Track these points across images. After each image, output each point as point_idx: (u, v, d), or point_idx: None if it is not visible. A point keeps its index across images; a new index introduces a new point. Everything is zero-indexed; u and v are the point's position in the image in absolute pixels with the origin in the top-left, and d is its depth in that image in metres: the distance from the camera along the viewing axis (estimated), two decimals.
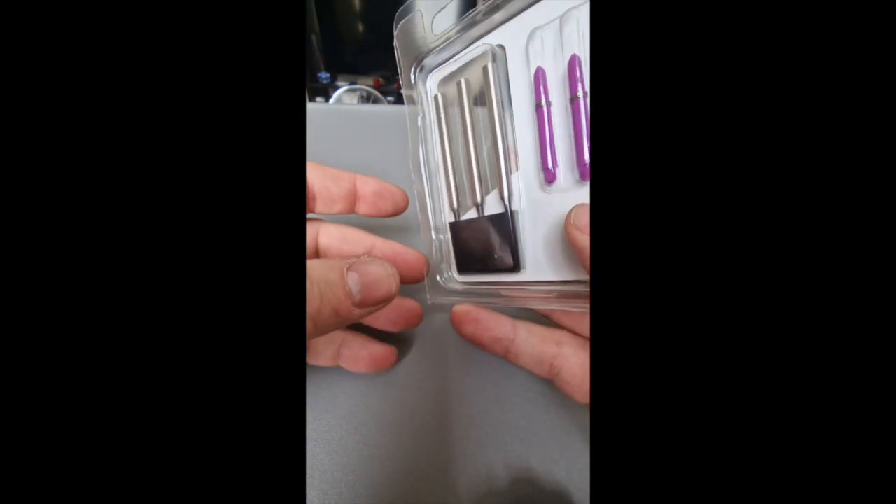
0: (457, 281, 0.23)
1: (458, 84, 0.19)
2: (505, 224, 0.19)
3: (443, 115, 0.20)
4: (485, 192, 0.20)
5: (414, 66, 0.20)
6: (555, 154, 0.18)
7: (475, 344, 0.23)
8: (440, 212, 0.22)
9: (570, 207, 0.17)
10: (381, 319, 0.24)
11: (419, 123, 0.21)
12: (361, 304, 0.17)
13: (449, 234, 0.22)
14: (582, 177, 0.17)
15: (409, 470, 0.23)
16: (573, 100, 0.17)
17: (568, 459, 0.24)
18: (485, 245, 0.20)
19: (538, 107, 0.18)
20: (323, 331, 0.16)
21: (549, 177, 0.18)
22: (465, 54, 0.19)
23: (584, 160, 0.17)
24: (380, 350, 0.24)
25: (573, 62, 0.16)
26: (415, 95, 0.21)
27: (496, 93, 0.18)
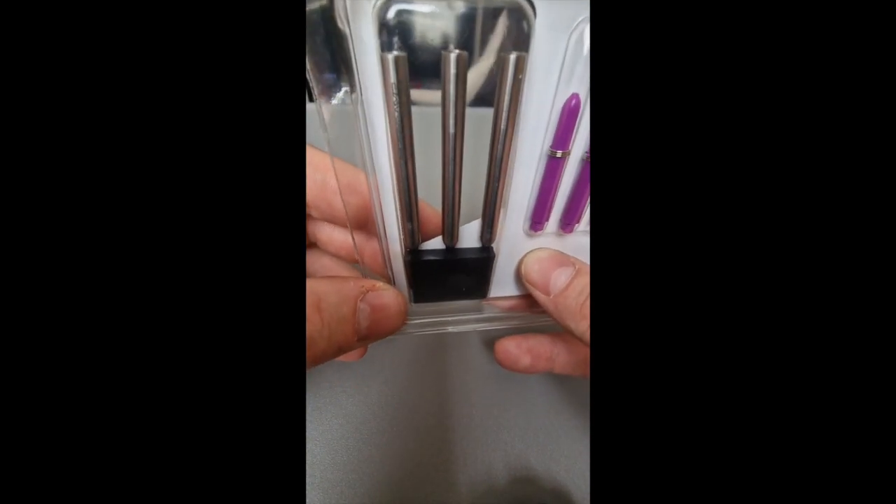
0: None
1: (447, 59, 0.10)
2: (484, 265, 0.17)
3: (404, 99, 0.11)
4: (459, 223, 0.15)
5: None
6: (552, 208, 0.16)
7: (528, 373, 0.23)
8: (387, 235, 0.16)
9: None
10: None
11: (358, 108, 0.11)
12: (364, 338, 0.14)
13: (403, 263, 0.17)
14: (564, 229, 0.17)
15: (409, 469, 0.23)
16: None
17: (567, 458, 0.25)
18: (456, 280, 0.18)
19: (553, 156, 0.13)
20: (319, 363, 0.13)
21: (536, 227, 0.16)
22: None
23: (575, 217, 0.16)
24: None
25: None
26: (345, 44, 0.10)
27: (508, 110, 0.11)
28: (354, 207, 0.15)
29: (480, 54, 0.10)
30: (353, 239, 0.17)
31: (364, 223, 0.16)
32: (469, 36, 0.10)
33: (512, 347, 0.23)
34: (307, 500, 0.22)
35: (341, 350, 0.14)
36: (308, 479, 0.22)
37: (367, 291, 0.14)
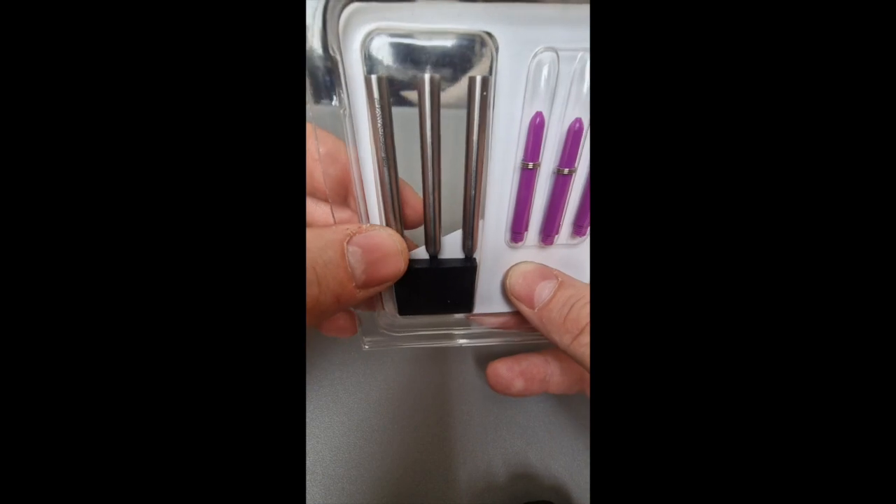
0: (397, 322, 0.20)
1: (423, 81, 0.12)
2: (468, 275, 0.17)
3: (386, 114, 0.12)
4: (441, 233, 0.16)
5: (340, 6, 0.11)
6: (529, 218, 0.16)
7: (522, 397, 0.23)
8: None
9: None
10: (330, 327, 0.20)
11: (346, 121, 0.13)
12: (365, 285, 0.13)
13: None
14: (544, 241, 0.17)
15: (409, 466, 0.24)
16: (561, 173, 0.15)
17: (566, 456, 0.25)
18: (440, 291, 0.18)
19: (525, 167, 0.14)
20: (320, 320, 0.13)
21: (516, 238, 0.17)
22: (427, 13, 0.11)
23: (554, 229, 0.16)
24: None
25: (577, 128, 0.14)
26: (335, 67, 0.12)
27: (478, 124, 0.13)
28: (334, 179, 0.15)
29: (462, 74, 0.12)
30: (332, 213, 0.16)
31: (344, 195, 0.15)
32: (447, 61, 0.12)
33: (504, 371, 0.22)
34: (309, 497, 0.22)
35: (341, 300, 0.13)
36: (309, 476, 0.23)
37: (354, 235, 0.13)
